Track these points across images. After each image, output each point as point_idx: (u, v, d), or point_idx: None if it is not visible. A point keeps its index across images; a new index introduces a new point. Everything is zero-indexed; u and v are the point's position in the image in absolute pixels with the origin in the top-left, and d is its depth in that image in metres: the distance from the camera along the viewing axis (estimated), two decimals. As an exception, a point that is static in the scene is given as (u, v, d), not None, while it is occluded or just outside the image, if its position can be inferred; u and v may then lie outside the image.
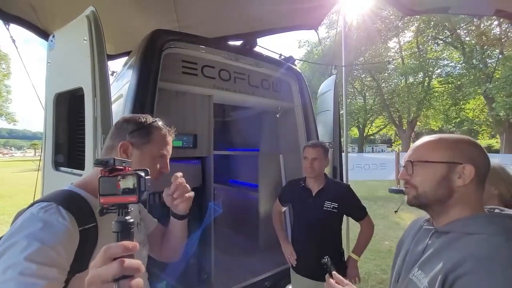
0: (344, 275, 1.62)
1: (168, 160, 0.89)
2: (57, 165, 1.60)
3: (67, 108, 1.60)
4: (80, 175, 1.35)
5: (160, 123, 0.88)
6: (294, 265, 1.72)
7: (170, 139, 0.90)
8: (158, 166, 0.85)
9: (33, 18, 2.18)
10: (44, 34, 2.27)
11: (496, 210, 0.71)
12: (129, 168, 0.54)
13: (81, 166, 1.34)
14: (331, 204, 1.59)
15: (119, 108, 1.66)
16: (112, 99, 2.13)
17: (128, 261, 0.41)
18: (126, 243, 0.43)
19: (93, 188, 0.77)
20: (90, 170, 1.24)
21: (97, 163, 0.51)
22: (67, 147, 1.62)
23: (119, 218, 0.48)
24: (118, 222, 0.48)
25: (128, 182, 0.50)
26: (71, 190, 0.76)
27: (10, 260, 0.54)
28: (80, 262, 0.66)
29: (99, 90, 1.25)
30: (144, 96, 1.54)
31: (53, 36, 1.62)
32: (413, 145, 0.78)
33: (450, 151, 0.70)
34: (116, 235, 0.46)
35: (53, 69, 1.63)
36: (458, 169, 0.68)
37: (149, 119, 0.87)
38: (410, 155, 0.76)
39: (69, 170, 1.51)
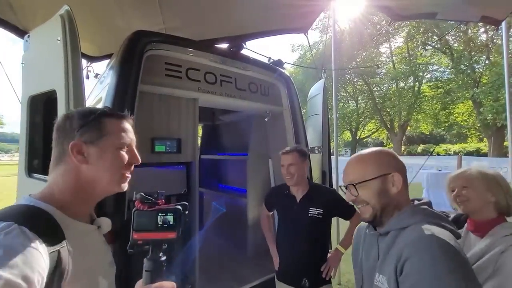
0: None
1: (135, 149, 0.77)
2: (30, 171, 1.52)
3: (42, 111, 1.53)
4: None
5: (109, 110, 0.77)
6: (277, 270, 1.68)
7: (128, 124, 0.77)
8: (126, 158, 0.74)
9: (11, 18, 2.09)
10: (24, 34, 2.18)
11: (415, 202, 0.82)
12: (163, 201, 0.50)
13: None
14: (316, 210, 1.54)
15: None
16: (93, 102, 2.07)
17: None
18: (166, 284, 0.41)
19: (60, 201, 0.67)
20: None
21: (146, 201, 0.48)
22: (42, 153, 1.54)
23: (153, 256, 0.46)
24: (152, 260, 0.45)
25: (168, 217, 0.48)
26: (32, 205, 0.63)
27: None
28: None
29: (72, 93, 1.19)
30: (123, 99, 1.47)
31: (28, 36, 1.55)
32: (346, 168, 0.85)
33: (376, 166, 0.79)
34: (150, 274, 0.44)
35: (27, 71, 1.56)
36: (389, 179, 0.78)
37: (95, 109, 0.75)
38: (348, 178, 0.84)
39: (43, 177, 1.43)
